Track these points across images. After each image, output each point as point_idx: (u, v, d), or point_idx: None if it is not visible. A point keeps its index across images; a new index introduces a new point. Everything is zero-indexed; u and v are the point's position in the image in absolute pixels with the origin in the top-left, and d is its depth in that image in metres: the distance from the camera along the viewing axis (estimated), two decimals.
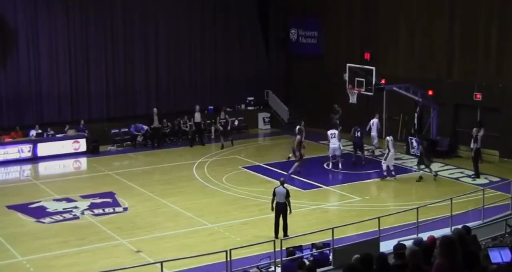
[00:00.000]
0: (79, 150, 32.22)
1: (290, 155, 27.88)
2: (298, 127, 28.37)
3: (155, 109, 33.77)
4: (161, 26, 36.33)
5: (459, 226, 13.78)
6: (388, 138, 27.06)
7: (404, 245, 11.50)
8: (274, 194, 20.58)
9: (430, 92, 30.50)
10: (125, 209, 23.89)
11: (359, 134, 28.95)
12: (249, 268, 16.86)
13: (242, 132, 36.51)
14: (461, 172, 27.55)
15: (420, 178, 26.35)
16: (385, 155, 26.70)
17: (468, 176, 26.78)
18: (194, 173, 28.36)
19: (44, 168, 30.73)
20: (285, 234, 20.09)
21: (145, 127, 33.98)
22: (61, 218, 23.00)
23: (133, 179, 27.37)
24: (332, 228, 17.91)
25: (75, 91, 34.54)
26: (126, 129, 33.85)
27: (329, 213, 23.38)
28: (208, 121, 35.70)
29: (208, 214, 23.06)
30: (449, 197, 20.64)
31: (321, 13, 37.07)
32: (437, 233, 16.26)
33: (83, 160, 31.65)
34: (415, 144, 30.15)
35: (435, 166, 28.23)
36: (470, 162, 27.37)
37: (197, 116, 33.65)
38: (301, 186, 25.75)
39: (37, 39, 33.39)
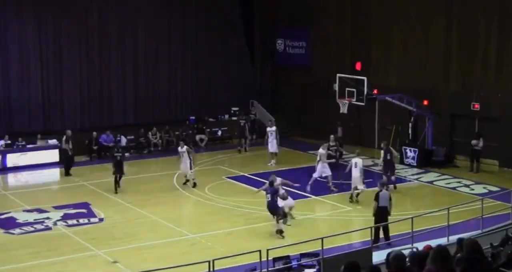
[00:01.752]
0: (52, 161, 31.98)
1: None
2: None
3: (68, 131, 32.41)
4: (140, 34, 36.39)
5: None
6: (320, 149, 26.92)
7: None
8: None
9: (425, 102, 30.68)
10: (101, 219, 23.74)
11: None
12: None
13: (225, 142, 36.53)
14: (458, 182, 27.70)
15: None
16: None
17: (466, 185, 26.86)
18: (175, 183, 28.21)
19: (13, 178, 30.61)
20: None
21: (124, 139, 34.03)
22: (32, 229, 22.80)
23: (109, 189, 27.14)
24: (322, 238, 17.83)
25: (47, 100, 34.39)
26: (101, 140, 33.62)
27: (318, 223, 23.27)
28: (190, 132, 35.78)
29: (189, 224, 23.00)
30: (446, 206, 20.63)
31: (309, 23, 37.38)
32: (434, 243, 16.19)
33: (56, 171, 31.41)
34: (409, 154, 30.31)
35: (430, 176, 28.45)
36: (467, 172, 27.60)
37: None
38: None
39: (6, 47, 33.25)
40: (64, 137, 30.93)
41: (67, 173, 30.31)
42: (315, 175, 26.61)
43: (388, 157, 26.76)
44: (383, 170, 26.93)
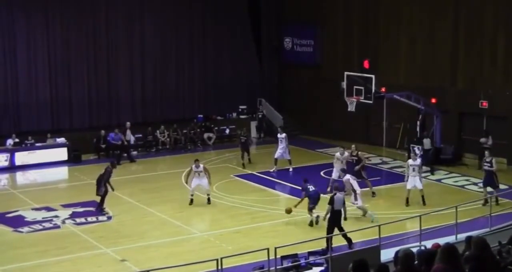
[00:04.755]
0: (60, 159, 32.07)
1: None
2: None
3: (128, 123, 33.57)
4: (147, 33, 36.41)
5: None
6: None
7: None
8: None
9: (433, 100, 30.65)
10: (109, 218, 23.78)
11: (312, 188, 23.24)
12: None
13: (233, 140, 36.58)
14: (467, 180, 27.67)
15: None
16: None
17: (474, 183, 26.77)
18: (183, 181, 28.19)
19: (22, 177, 30.72)
20: None
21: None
22: (40, 227, 22.83)
23: (118, 188, 26.79)
24: (330, 236, 17.84)
25: (55, 99, 34.44)
26: (109, 138, 33.66)
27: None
28: (198, 130, 35.85)
29: (197, 222, 23.02)
30: (455, 205, 20.61)
31: (317, 22, 37.41)
32: (442, 241, 16.15)
33: (64, 169, 31.54)
34: (417, 152, 30.23)
35: (438, 174, 28.37)
36: (475, 170, 27.56)
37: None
38: (296, 194, 25.57)
39: (14, 46, 33.34)
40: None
41: (131, 160, 32.18)
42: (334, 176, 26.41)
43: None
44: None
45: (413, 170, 24.43)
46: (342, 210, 20.47)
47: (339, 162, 26.31)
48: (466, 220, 20.52)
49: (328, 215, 20.15)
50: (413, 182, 24.40)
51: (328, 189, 25.90)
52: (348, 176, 23.66)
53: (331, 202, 20.12)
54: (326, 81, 35.86)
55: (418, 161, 24.79)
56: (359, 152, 26.21)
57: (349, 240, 19.92)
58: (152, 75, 36.85)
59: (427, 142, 29.73)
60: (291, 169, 29.96)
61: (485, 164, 24.21)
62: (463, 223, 20.03)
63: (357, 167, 25.71)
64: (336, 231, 19.81)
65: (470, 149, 29.96)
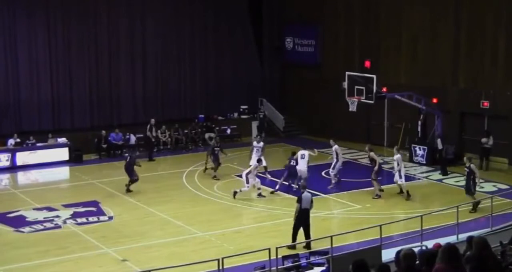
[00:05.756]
0: (61, 159, 32.12)
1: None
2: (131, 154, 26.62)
3: (152, 120, 33.65)
4: (149, 33, 36.50)
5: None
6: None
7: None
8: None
9: (435, 100, 30.67)
10: (110, 218, 23.77)
11: (294, 163, 26.50)
12: None
13: (234, 140, 36.62)
14: None
15: None
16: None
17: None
18: (184, 181, 28.34)
19: (23, 177, 30.72)
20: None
21: (133, 137, 34.08)
22: (42, 227, 22.82)
23: (118, 188, 27.17)
24: (331, 236, 17.86)
25: (56, 99, 34.49)
26: (110, 138, 33.70)
27: (327, 221, 23.28)
28: (200, 130, 35.95)
29: (199, 222, 22.94)
30: (456, 205, 20.63)
31: (318, 22, 37.47)
32: (443, 241, 16.17)
33: (65, 169, 31.59)
34: (418, 152, 30.28)
35: (439, 174, 28.27)
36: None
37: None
38: (298, 194, 25.54)
39: (15, 46, 33.38)
40: (148, 126, 32.82)
41: (150, 159, 32.36)
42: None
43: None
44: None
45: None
46: (309, 208, 20.37)
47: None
48: (467, 220, 20.64)
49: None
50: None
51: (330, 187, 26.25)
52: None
53: (299, 200, 20.26)
54: (327, 81, 35.98)
55: (398, 156, 25.52)
56: (371, 153, 26.24)
57: (294, 240, 19.99)
58: (153, 75, 36.92)
59: (439, 142, 29.73)
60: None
61: (466, 169, 23.78)
62: (464, 223, 20.14)
63: (375, 168, 25.74)
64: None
65: (471, 149, 29.89)
